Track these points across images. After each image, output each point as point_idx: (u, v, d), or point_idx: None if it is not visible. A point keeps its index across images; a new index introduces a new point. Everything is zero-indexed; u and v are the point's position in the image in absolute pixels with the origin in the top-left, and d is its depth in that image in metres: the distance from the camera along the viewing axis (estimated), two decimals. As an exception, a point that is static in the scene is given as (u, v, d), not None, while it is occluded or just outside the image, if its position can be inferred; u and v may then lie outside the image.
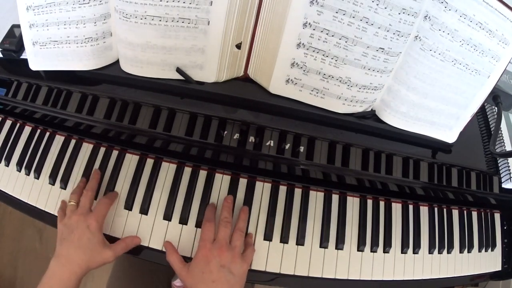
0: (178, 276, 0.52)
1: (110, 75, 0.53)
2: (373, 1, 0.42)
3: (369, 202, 0.62)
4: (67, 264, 0.50)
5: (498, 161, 0.61)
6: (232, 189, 0.59)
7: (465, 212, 0.68)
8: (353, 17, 0.43)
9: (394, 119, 0.52)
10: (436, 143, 0.56)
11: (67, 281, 0.49)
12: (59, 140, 0.64)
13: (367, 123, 0.53)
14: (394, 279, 0.60)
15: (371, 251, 0.60)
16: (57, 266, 0.50)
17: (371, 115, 0.53)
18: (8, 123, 0.68)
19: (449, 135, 0.55)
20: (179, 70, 0.50)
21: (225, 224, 0.53)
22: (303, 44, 0.46)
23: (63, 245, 0.51)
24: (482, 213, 0.70)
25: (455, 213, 0.68)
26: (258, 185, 0.60)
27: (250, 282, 0.55)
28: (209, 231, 0.52)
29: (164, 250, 0.55)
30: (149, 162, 0.60)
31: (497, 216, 0.71)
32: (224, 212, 0.55)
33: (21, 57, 0.58)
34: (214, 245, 0.50)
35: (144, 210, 0.57)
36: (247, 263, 0.52)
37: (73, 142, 0.63)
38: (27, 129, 0.66)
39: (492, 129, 0.62)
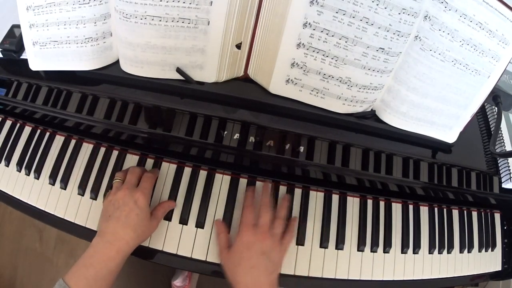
0: (219, 257, 0.51)
1: (110, 75, 0.53)
2: (373, 1, 0.42)
3: (369, 202, 0.62)
4: (113, 241, 0.46)
5: (498, 161, 0.61)
6: (232, 189, 0.59)
7: (465, 212, 0.68)
8: (353, 17, 0.43)
9: (394, 119, 0.52)
10: (436, 143, 0.56)
11: (110, 260, 0.45)
12: (59, 140, 0.64)
13: (367, 123, 0.53)
14: (394, 279, 0.60)
15: (371, 251, 0.60)
16: (101, 243, 0.46)
17: (371, 115, 0.53)
18: (8, 123, 0.68)
19: (449, 135, 0.55)
20: (179, 70, 0.50)
21: (266, 209, 0.52)
22: (303, 44, 0.46)
23: (109, 223, 0.48)
24: (482, 213, 0.70)
25: (455, 213, 0.68)
26: (258, 185, 0.60)
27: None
28: (250, 215, 0.52)
29: (164, 250, 0.55)
30: (149, 162, 0.61)
31: (497, 216, 0.71)
32: (265, 197, 0.54)
33: (21, 57, 0.58)
34: (256, 230, 0.50)
35: (144, 210, 0.57)
36: (285, 250, 0.52)
37: (73, 142, 0.63)
38: (27, 129, 0.66)
39: (492, 129, 0.62)
